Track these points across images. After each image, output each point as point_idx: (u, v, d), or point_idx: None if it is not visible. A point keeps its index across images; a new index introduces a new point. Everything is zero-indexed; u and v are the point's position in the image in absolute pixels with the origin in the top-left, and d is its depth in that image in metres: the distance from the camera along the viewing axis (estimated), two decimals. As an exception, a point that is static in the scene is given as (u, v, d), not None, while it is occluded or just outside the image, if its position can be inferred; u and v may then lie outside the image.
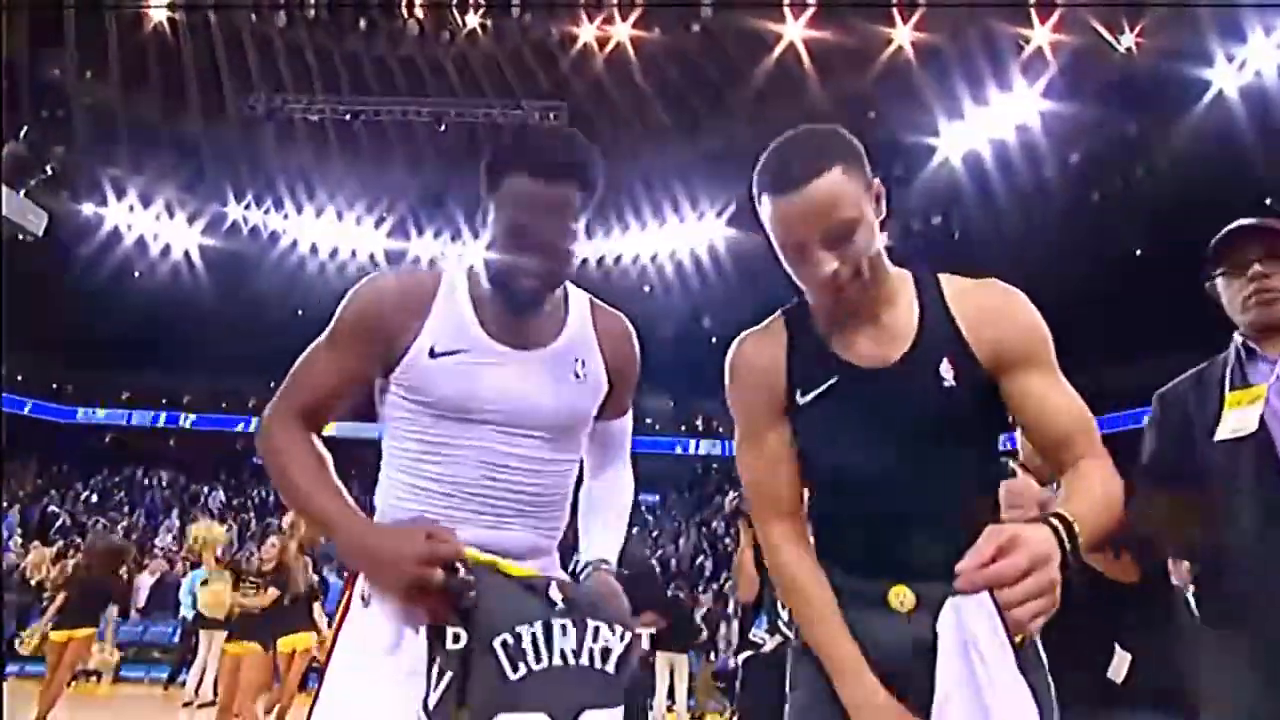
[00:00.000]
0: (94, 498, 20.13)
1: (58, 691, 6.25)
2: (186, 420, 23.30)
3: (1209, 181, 15.66)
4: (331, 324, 1.27)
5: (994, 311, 1.20)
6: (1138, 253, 18.32)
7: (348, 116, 21.12)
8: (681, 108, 21.13)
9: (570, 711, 1.04)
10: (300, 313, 24.56)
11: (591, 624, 1.09)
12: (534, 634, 1.05)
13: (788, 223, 1.13)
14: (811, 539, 1.27)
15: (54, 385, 22.71)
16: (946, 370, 1.16)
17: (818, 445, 1.23)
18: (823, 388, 1.20)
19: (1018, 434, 1.79)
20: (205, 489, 20.59)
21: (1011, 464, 1.83)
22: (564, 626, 1.07)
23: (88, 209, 21.35)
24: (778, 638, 3.01)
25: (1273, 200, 16.07)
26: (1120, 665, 1.74)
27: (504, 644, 1.04)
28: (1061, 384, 1.20)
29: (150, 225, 22.34)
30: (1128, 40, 15.99)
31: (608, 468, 1.46)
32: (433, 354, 1.22)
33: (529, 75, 20.81)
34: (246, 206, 22.92)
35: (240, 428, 22.69)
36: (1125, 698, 1.72)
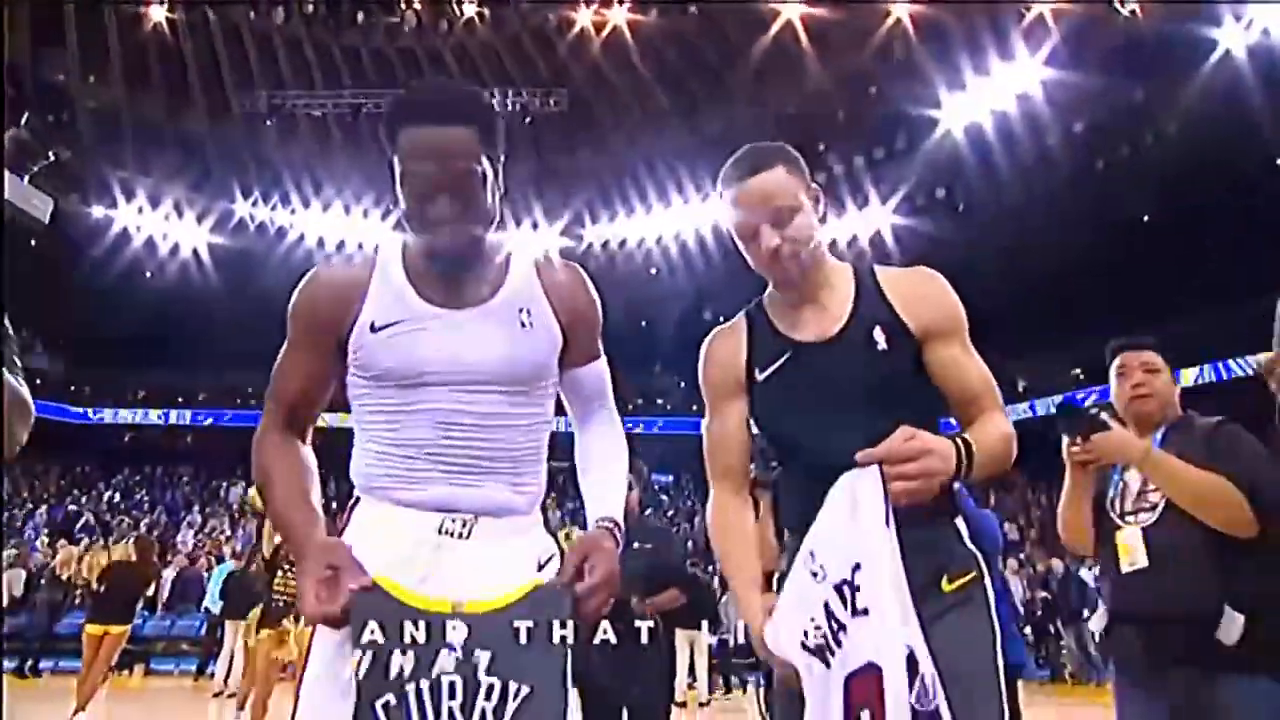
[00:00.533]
0: (116, 497, 20.45)
1: (95, 685, 6.38)
2: (207, 420, 23.55)
3: (1217, 144, 15.49)
4: (288, 326, 1.32)
5: (922, 289, 1.44)
6: (1145, 219, 18.19)
7: (349, 110, 21.18)
8: (681, 90, 21.04)
9: None
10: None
11: (485, 680, 1.03)
12: (420, 694, 1.02)
13: (741, 206, 1.41)
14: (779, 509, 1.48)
15: (71, 386, 23.00)
16: (879, 336, 1.38)
17: (776, 414, 1.46)
18: (776, 364, 1.43)
19: (1112, 388, 2.08)
20: (224, 484, 20.86)
21: (1104, 415, 1.97)
22: (452, 685, 1.03)
23: (98, 211, 21.53)
24: None
25: (1280, 162, 15.91)
26: (1231, 627, 1.71)
27: (385, 706, 1.01)
28: (972, 352, 1.43)
29: (159, 225, 22.48)
30: (1131, 3, 15.77)
31: (591, 418, 1.44)
32: (374, 329, 1.26)
33: (528, 62, 20.77)
34: (253, 203, 23.02)
35: (256, 420, 22.93)
36: (1239, 662, 1.70)
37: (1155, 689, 1.84)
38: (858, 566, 1.15)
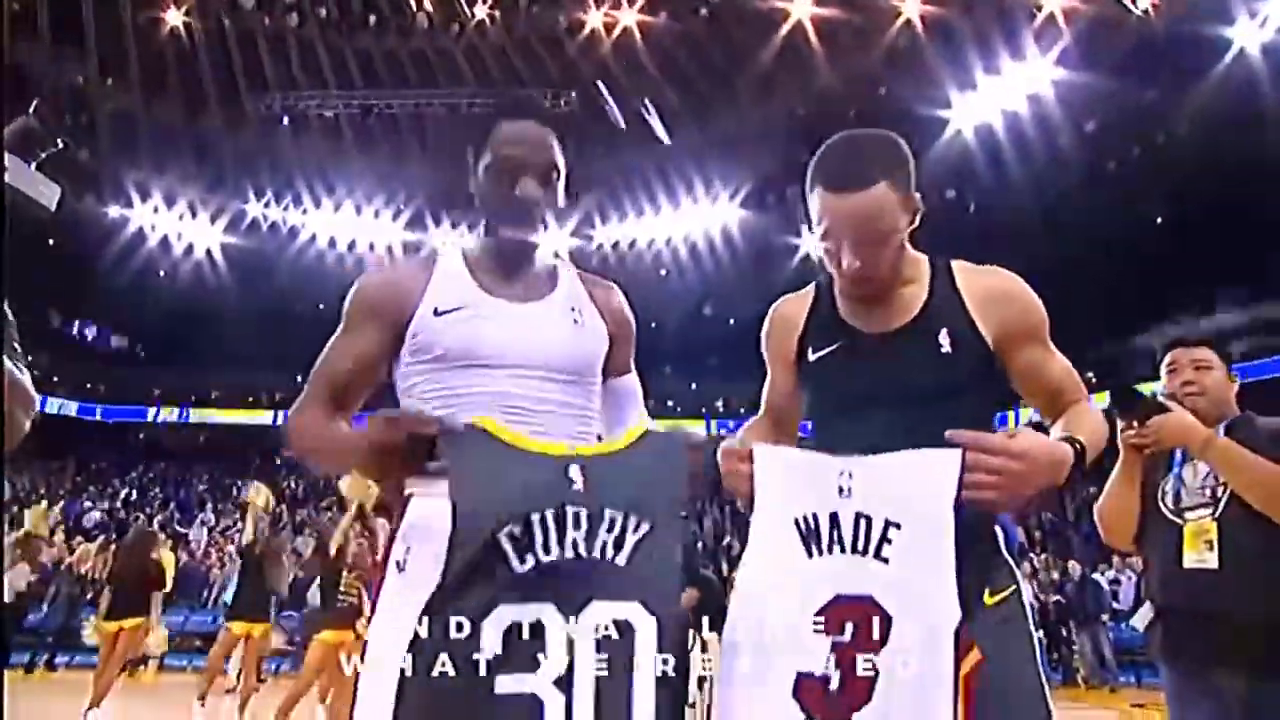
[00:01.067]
0: (132, 494, 20.65)
1: (110, 680, 6.39)
2: (220, 418, 23.73)
3: (1231, 145, 15.36)
4: (344, 314, 1.38)
5: (1001, 292, 1.36)
6: (1158, 220, 18.06)
7: (361, 111, 21.31)
8: (690, 91, 21.06)
9: (577, 604, 1.03)
10: (321, 306, 24.90)
11: (608, 514, 1.06)
12: (545, 523, 1.04)
13: (829, 219, 1.28)
14: None
15: (86, 385, 23.23)
16: (944, 339, 1.30)
17: (821, 400, 1.41)
18: (828, 349, 1.37)
19: (1163, 385, 2.04)
20: (238, 482, 21.03)
21: (1162, 398, 1.96)
22: (577, 516, 1.05)
23: (113, 211, 21.76)
24: None
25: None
26: None
27: (510, 535, 1.03)
28: (1053, 350, 1.38)
29: (174, 225, 22.72)
30: (1144, 2, 15.65)
31: (620, 427, 1.45)
32: (436, 312, 1.32)
33: (538, 63, 20.84)
34: (266, 204, 23.21)
35: (269, 419, 23.14)
36: None
37: (1212, 686, 1.80)
38: (897, 525, 1.11)
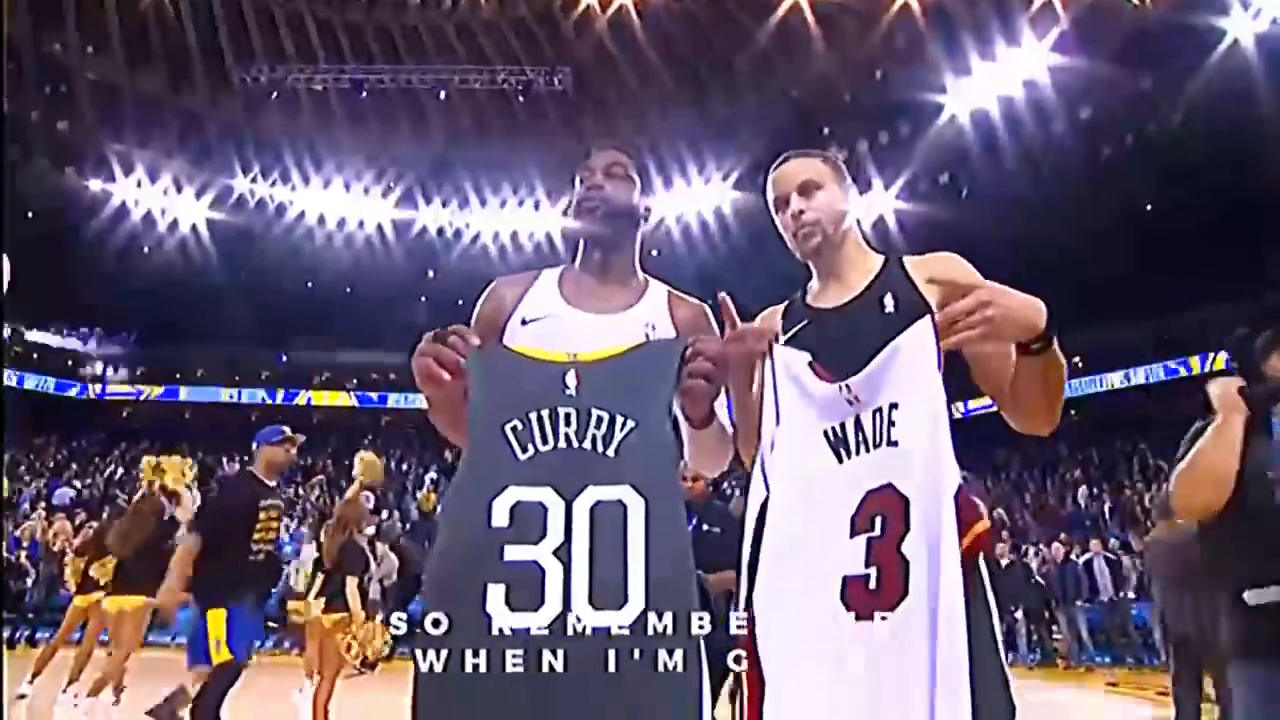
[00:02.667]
0: (117, 471, 20.50)
1: (86, 656, 6.17)
2: (205, 396, 23.57)
3: (1223, 135, 15.41)
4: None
5: (941, 259, 1.54)
6: (1148, 208, 18.11)
7: (351, 85, 21.00)
8: (686, 71, 20.87)
9: (574, 488, 1.20)
10: (310, 284, 24.71)
11: (595, 412, 1.24)
12: (540, 421, 1.23)
13: (777, 181, 1.60)
14: None
15: (69, 362, 22.99)
16: (889, 301, 1.47)
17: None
18: (796, 329, 1.55)
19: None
20: (223, 459, 20.92)
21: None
22: (568, 415, 1.24)
23: (95, 185, 21.41)
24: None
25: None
26: None
27: (514, 429, 1.23)
28: None
29: (158, 200, 22.38)
30: (1140, -10, 15.64)
31: (691, 453, 1.51)
32: (524, 322, 1.54)
33: (532, 40, 20.58)
34: (253, 180, 22.90)
35: (257, 397, 23.01)
36: None
37: None
38: (895, 405, 1.24)
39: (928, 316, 1.25)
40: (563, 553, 1.17)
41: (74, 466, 20.43)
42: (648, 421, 1.24)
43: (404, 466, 21.16)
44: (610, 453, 1.22)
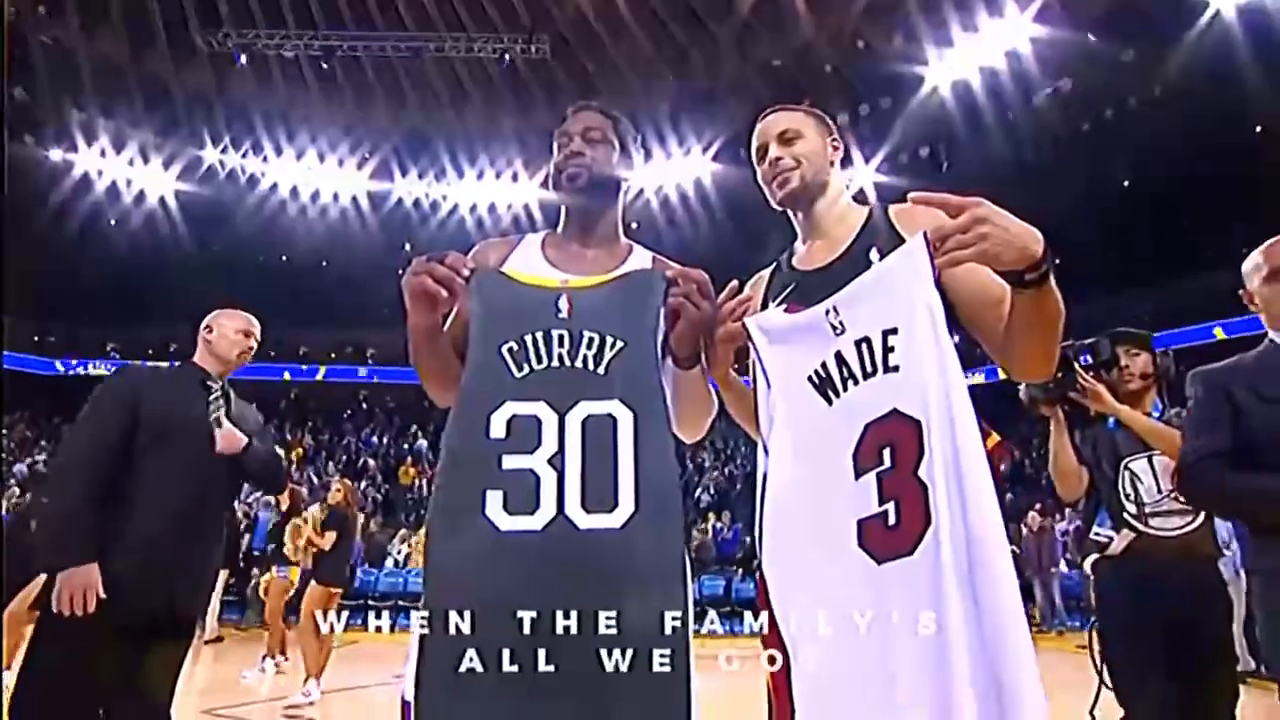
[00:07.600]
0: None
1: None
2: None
3: (1204, 108, 15.46)
4: None
5: (927, 212, 1.36)
6: (1125, 184, 18.20)
7: (323, 52, 20.42)
8: (667, 40, 20.52)
9: (566, 403, 1.28)
10: (285, 258, 24.24)
11: (586, 334, 1.31)
12: (535, 341, 1.31)
13: (758, 134, 1.59)
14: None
15: (34, 338, 22.43)
16: (874, 254, 1.38)
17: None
18: (783, 293, 1.50)
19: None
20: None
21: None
22: (560, 336, 1.31)
23: (55, 155, 20.73)
24: (1126, 533, 2.55)
25: (1264, 128, 15.93)
26: None
27: (509, 349, 1.31)
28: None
29: (123, 171, 21.73)
30: (1124, -41, 15.56)
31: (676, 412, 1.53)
32: None
33: (509, 8, 20.10)
34: (223, 150, 22.31)
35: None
36: None
37: None
38: (893, 330, 1.18)
39: (920, 234, 1.17)
40: (557, 461, 1.24)
41: (43, 443, 20.02)
42: (635, 342, 1.31)
43: (384, 439, 21.01)
44: (600, 371, 1.30)
